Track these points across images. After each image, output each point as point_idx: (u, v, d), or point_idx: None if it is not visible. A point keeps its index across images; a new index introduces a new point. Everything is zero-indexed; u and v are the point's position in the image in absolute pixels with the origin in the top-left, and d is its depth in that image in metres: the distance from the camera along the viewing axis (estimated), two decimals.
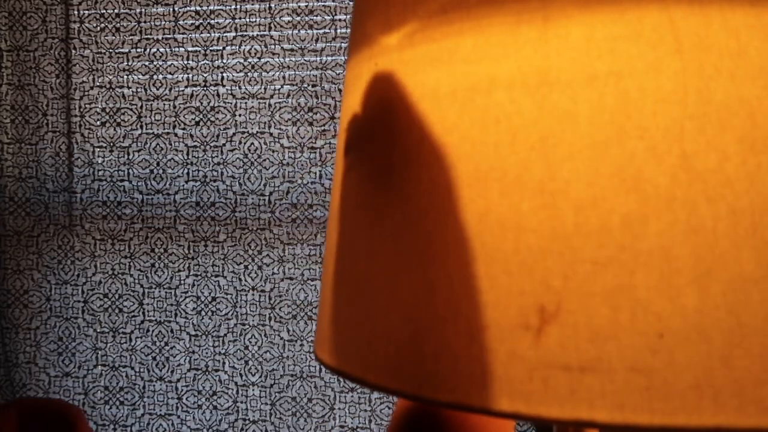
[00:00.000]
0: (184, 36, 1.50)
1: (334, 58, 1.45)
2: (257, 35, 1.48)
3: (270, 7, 1.47)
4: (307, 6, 1.46)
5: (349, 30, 1.44)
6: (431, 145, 0.33)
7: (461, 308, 0.30)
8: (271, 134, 1.47)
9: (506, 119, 0.30)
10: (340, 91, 1.45)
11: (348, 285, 0.37)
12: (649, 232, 0.28)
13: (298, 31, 1.46)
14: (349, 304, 0.37)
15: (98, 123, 1.53)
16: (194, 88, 1.50)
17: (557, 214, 0.29)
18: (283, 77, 1.47)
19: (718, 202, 0.28)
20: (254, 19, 1.48)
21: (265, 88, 1.47)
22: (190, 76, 1.50)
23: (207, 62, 1.49)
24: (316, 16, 1.46)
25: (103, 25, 1.52)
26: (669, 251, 0.28)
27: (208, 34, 1.49)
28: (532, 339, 0.28)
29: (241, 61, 1.48)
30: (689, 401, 0.27)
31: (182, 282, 1.51)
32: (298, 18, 1.46)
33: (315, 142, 1.46)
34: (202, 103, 1.49)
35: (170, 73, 1.50)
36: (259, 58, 1.48)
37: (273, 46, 1.47)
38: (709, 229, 0.28)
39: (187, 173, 1.50)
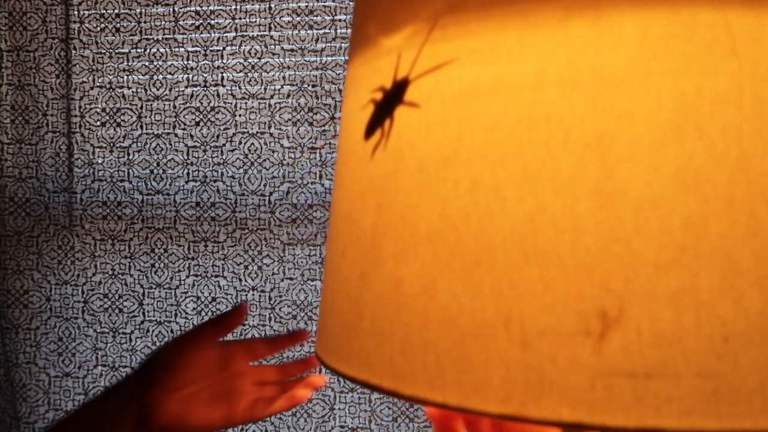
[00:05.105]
0: (184, 36, 1.49)
1: (334, 58, 1.45)
2: (257, 35, 1.47)
3: (270, 7, 1.46)
4: (307, 6, 1.45)
5: (349, 30, 1.44)
6: (471, 143, 0.32)
7: (513, 313, 0.29)
8: (271, 134, 1.47)
9: (557, 116, 0.30)
10: (340, 91, 1.44)
11: (370, 290, 0.36)
12: (711, 234, 0.27)
13: (298, 31, 1.46)
14: (372, 310, 0.35)
15: (98, 123, 1.52)
16: (194, 89, 1.49)
17: (616, 215, 0.28)
18: (283, 77, 1.46)
19: None
20: (254, 20, 1.47)
21: (265, 89, 1.47)
22: (190, 76, 1.49)
23: (207, 62, 1.48)
24: (316, 16, 1.45)
25: (103, 25, 1.51)
26: (730, 253, 0.27)
27: (208, 34, 1.48)
28: (594, 345, 0.28)
29: (241, 61, 1.47)
30: (755, 405, 0.26)
31: (182, 282, 1.51)
32: (298, 18, 1.46)
33: (315, 143, 1.46)
34: (202, 104, 1.49)
35: (170, 74, 1.50)
36: (259, 59, 1.47)
37: (273, 47, 1.46)
38: None
39: (187, 173, 1.50)
